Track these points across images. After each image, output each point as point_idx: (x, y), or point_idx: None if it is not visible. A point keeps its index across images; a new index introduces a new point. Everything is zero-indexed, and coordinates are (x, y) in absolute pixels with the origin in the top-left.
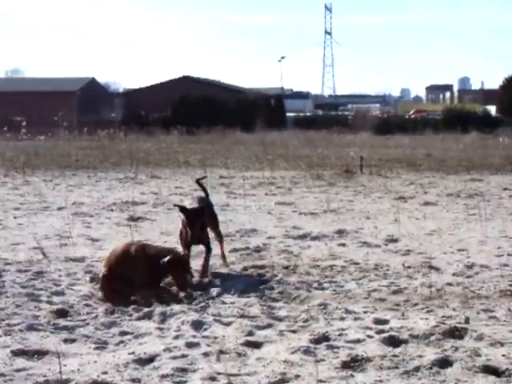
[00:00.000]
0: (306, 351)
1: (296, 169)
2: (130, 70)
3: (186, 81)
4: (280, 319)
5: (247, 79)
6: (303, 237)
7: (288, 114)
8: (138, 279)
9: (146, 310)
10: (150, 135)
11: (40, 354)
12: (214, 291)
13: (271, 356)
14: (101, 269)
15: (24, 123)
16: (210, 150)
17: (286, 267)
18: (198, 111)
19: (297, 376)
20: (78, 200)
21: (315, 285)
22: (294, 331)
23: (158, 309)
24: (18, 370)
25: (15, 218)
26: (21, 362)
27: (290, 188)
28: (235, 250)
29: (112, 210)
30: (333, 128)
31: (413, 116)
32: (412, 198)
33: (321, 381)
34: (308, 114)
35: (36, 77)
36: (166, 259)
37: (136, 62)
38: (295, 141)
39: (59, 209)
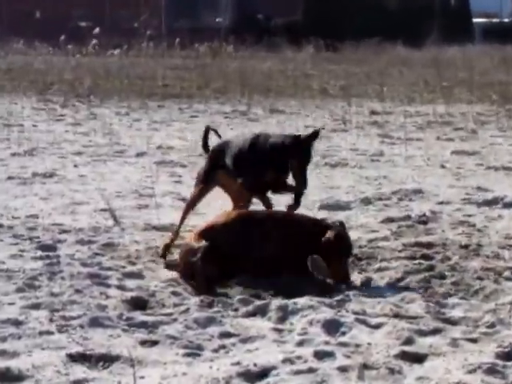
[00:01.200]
0: (491, 370)
1: (484, 102)
2: None
3: None
4: (453, 322)
5: None
6: (492, 203)
7: (475, 20)
8: (271, 259)
9: (258, 302)
10: (272, 50)
11: (107, 360)
12: (358, 279)
13: (439, 375)
14: (190, 244)
15: (96, 30)
16: (358, 74)
17: (465, 246)
18: (341, 16)
19: None
20: (166, 143)
21: (507, 273)
22: (473, 340)
23: (276, 301)
24: (77, 382)
25: (76, 166)
26: (80, 371)
27: (475, 130)
28: (390, 220)
29: None
30: None
31: None
32: None
33: None
34: (506, 20)
35: None
36: (332, 234)
37: None
38: (485, 60)
39: (138, 155)
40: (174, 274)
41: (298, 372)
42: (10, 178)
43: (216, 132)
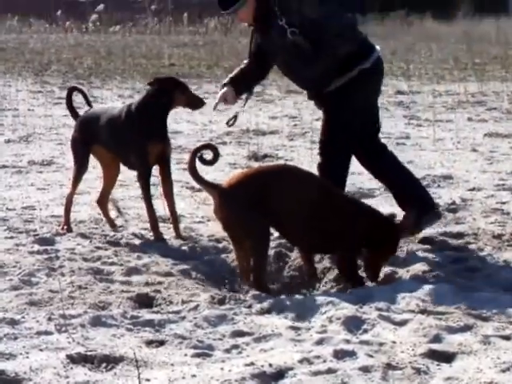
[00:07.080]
0: None
1: None
2: None
3: None
4: (484, 318)
5: None
6: None
7: None
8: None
9: (273, 298)
10: None
11: (110, 361)
12: (381, 272)
13: (469, 375)
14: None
15: (100, 7)
16: (382, 50)
17: (499, 236)
18: None
19: None
20: (173, 127)
21: None
22: (506, 337)
23: (292, 297)
24: None
25: None
26: (81, 373)
27: (510, 110)
28: None
29: (225, 143)
30: None
31: None
32: None
33: None
34: None
35: None
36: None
37: None
38: None
39: None
40: (183, 266)
41: (317, 373)
42: (3, 166)
43: (84, 95)
